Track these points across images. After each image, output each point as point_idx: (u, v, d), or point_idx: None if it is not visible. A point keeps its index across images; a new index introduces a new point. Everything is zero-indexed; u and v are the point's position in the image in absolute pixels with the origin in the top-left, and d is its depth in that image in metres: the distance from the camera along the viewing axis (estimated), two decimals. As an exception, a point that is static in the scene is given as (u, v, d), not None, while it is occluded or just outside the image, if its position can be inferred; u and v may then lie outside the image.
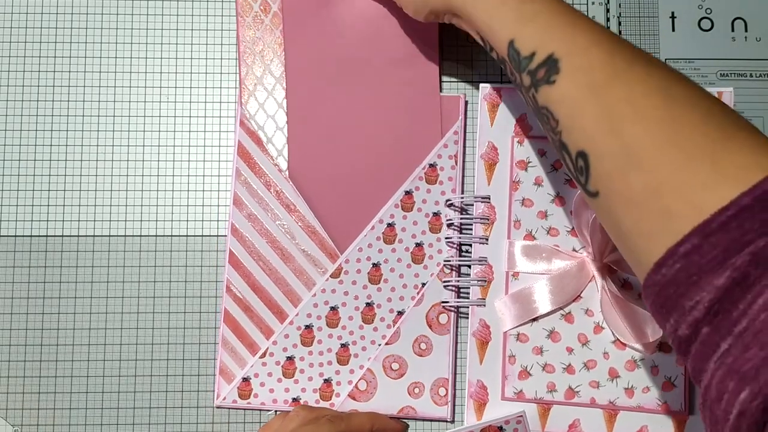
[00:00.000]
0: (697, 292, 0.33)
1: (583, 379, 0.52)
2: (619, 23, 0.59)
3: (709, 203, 0.33)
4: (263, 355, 0.54)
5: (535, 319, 0.52)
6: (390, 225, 0.55)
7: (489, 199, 0.54)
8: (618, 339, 0.51)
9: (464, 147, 0.56)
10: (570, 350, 0.52)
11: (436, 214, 0.55)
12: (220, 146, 0.57)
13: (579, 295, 0.52)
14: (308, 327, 0.54)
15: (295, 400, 0.53)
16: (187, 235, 0.56)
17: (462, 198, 0.55)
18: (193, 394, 0.54)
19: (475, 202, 0.54)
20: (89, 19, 0.58)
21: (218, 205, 0.56)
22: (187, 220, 0.56)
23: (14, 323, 0.55)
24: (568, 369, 0.52)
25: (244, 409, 0.54)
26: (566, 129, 0.39)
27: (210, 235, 0.56)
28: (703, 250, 0.32)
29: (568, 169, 0.41)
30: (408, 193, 0.55)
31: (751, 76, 0.58)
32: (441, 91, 0.57)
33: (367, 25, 0.56)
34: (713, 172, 0.33)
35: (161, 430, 0.54)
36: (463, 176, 0.56)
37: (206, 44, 0.58)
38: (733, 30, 0.58)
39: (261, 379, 0.53)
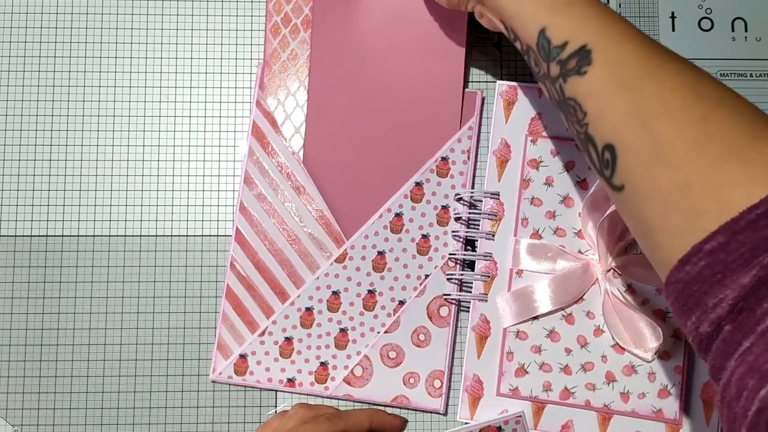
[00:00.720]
0: (721, 290, 0.33)
1: (580, 381, 0.52)
2: None
3: (737, 201, 0.33)
4: (262, 334, 0.54)
5: (535, 318, 0.52)
6: (398, 215, 0.55)
7: (498, 195, 0.54)
8: (617, 343, 0.51)
9: (477, 143, 0.56)
10: (568, 351, 0.52)
11: (445, 208, 0.55)
12: (220, 146, 0.57)
13: (581, 297, 0.52)
14: (309, 309, 0.54)
15: (291, 380, 0.53)
16: (187, 235, 0.56)
17: (471, 193, 0.55)
18: (193, 394, 0.54)
19: (485, 197, 0.54)
20: (89, 19, 0.58)
21: (218, 205, 0.56)
22: (187, 220, 0.56)
23: (14, 323, 0.55)
24: (565, 369, 0.52)
25: (239, 386, 0.54)
26: (594, 121, 0.39)
27: (210, 235, 0.56)
28: (730, 248, 0.32)
29: (592, 163, 0.41)
30: (418, 184, 0.55)
31: (751, 76, 0.58)
32: (465, 83, 0.57)
33: (395, 12, 0.57)
34: (743, 170, 0.33)
35: (161, 430, 0.54)
36: (474, 172, 0.56)
37: (206, 44, 0.58)
38: (733, 30, 0.58)
39: (258, 357, 0.54)
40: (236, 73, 0.58)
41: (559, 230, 0.54)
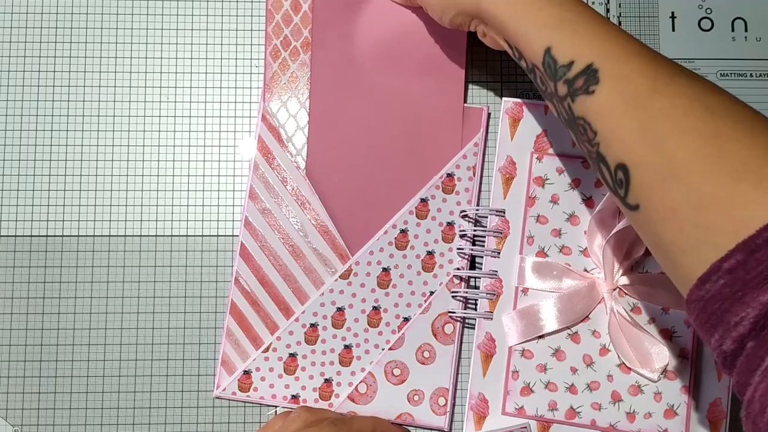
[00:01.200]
0: (742, 308, 0.33)
1: (585, 400, 0.51)
2: (619, 23, 0.59)
3: (753, 219, 0.32)
4: (266, 350, 0.53)
5: (541, 336, 0.52)
6: (403, 231, 0.55)
7: (504, 213, 0.54)
8: (623, 362, 0.51)
9: (483, 159, 0.56)
10: (574, 370, 0.52)
11: (450, 224, 0.55)
12: (220, 146, 0.57)
13: (587, 316, 0.52)
14: (313, 325, 0.54)
15: (294, 397, 0.53)
16: (187, 235, 0.56)
17: (477, 210, 0.55)
18: (193, 394, 0.54)
19: (490, 215, 0.54)
20: (89, 19, 0.58)
21: (218, 205, 0.56)
22: (187, 220, 0.56)
23: (14, 323, 0.54)
24: (571, 389, 0.51)
25: (243, 402, 0.53)
26: (605, 141, 0.39)
27: (210, 235, 0.56)
28: (749, 266, 0.32)
29: (605, 182, 0.41)
30: (423, 200, 0.55)
31: (751, 76, 0.58)
32: (465, 101, 0.57)
33: (395, 31, 0.57)
34: (758, 187, 0.33)
35: (161, 430, 0.53)
36: (479, 188, 0.56)
37: (206, 44, 0.58)
38: (733, 30, 0.58)
39: (262, 374, 0.53)
40: (236, 73, 0.58)
41: (564, 248, 0.53)
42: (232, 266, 0.55)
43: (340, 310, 0.54)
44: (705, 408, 0.50)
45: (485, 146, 0.56)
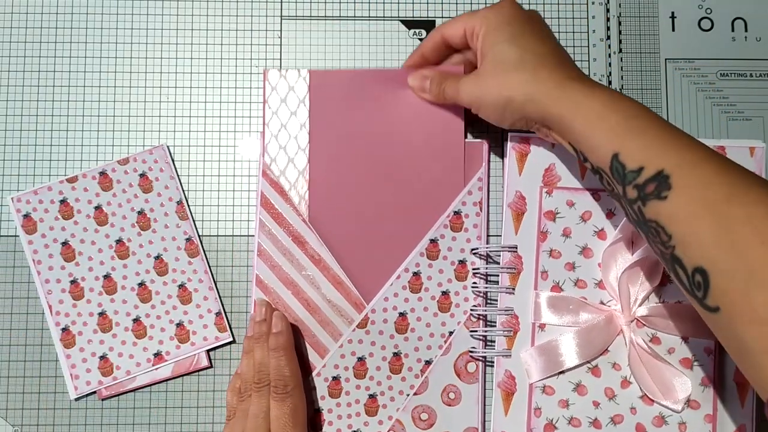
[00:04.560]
0: None
1: (610, 434, 0.52)
2: (619, 23, 0.58)
3: None
4: (292, 408, 0.54)
5: (561, 372, 0.53)
6: (416, 274, 0.55)
7: (516, 248, 0.54)
8: (645, 394, 0.51)
9: (488, 193, 0.55)
10: (596, 404, 0.52)
11: (462, 262, 0.55)
12: (220, 146, 0.57)
13: (606, 349, 0.52)
14: (335, 378, 0.54)
15: (324, 452, 0.54)
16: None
17: (488, 247, 0.54)
18: (194, 394, 0.55)
19: (502, 251, 0.54)
20: (89, 19, 0.58)
21: (218, 205, 0.56)
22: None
23: (14, 323, 0.55)
24: (595, 423, 0.52)
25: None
26: (681, 244, 0.39)
27: (210, 235, 0.56)
28: None
29: (680, 282, 0.40)
30: (433, 241, 0.55)
31: (751, 76, 0.57)
32: (466, 137, 0.55)
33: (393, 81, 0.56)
34: None
35: (161, 430, 0.55)
36: (488, 222, 0.55)
37: (206, 44, 0.58)
38: (733, 30, 0.58)
39: (290, 432, 0.54)
40: (236, 73, 0.58)
41: (579, 282, 0.53)
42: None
43: (360, 360, 0.54)
44: (729, 437, 0.51)
45: (489, 180, 0.55)
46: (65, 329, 0.54)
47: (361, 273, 0.55)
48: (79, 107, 0.57)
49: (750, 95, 0.57)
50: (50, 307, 0.54)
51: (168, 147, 0.56)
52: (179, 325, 0.55)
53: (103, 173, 0.55)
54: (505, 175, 0.54)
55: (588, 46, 0.58)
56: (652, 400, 0.51)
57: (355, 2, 0.59)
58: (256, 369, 0.50)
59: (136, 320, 0.55)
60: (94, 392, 0.54)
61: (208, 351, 0.55)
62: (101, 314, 0.54)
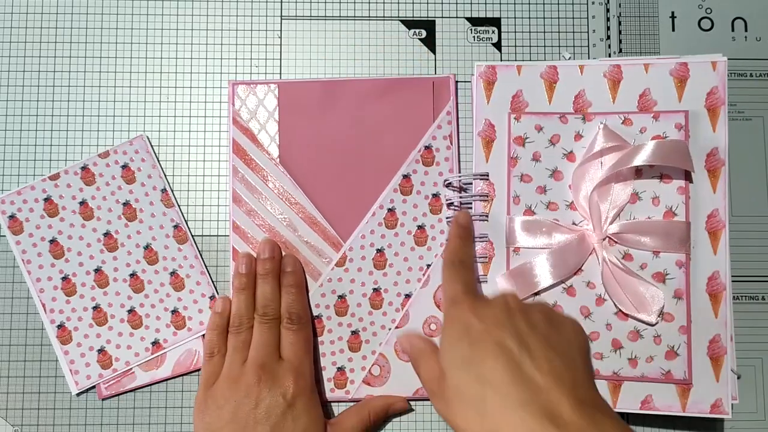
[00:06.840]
0: None
1: (588, 351, 0.53)
2: (619, 23, 0.58)
3: None
4: (276, 347, 0.55)
5: (537, 293, 0.53)
6: (390, 210, 0.55)
7: (487, 176, 0.54)
8: (620, 310, 0.52)
9: (458, 126, 0.56)
10: (573, 323, 0.53)
11: (436, 196, 0.55)
12: (220, 146, 0.57)
13: (580, 268, 0.53)
14: (317, 317, 0.55)
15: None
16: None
17: (460, 177, 0.55)
18: (194, 394, 0.55)
19: (474, 180, 0.54)
20: (89, 19, 0.58)
21: (218, 205, 0.56)
22: (187, 220, 0.56)
23: (14, 323, 0.56)
24: (573, 341, 0.53)
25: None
26: None
27: (210, 235, 0.56)
28: None
29: None
30: (406, 176, 0.55)
31: (751, 76, 0.58)
32: (435, 72, 0.56)
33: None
34: None
35: (161, 430, 0.55)
36: (458, 155, 0.56)
37: (206, 44, 0.58)
38: (733, 30, 0.58)
39: (276, 371, 0.55)
40: (236, 73, 0.58)
41: (551, 204, 0.54)
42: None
43: (341, 297, 0.55)
44: (704, 345, 0.52)
45: (457, 113, 0.56)
46: (61, 326, 0.55)
47: (337, 213, 0.56)
48: (79, 107, 0.57)
49: (750, 95, 0.57)
50: (44, 305, 0.55)
51: (148, 137, 0.56)
52: (174, 312, 0.55)
53: (84, 168, 0.56)
54: (474, 105, 0.55)
55: (588, 46, 0.58)
56: (627, 316, 0.52)
57: (355, 2, 0.58)
58: (261, 303, 0.52)
59: (131, 311, 0.55)
60: (95, 387, 0.55)
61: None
62: (95, 308, 0.55)
